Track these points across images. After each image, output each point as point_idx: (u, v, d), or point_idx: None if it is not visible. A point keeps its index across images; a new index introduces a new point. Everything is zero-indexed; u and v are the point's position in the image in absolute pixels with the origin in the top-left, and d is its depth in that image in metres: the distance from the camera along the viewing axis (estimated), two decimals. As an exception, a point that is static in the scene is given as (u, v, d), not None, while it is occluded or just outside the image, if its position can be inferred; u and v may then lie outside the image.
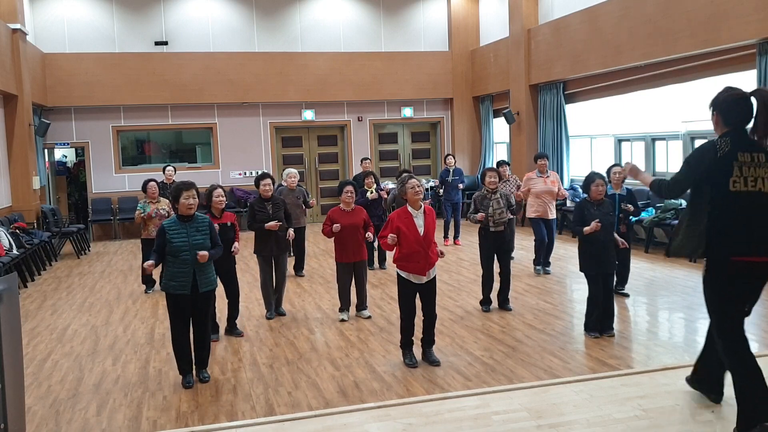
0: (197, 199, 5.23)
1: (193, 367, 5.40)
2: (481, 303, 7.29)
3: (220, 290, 6.14)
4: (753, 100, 3.61)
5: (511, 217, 7.26)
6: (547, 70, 13.26)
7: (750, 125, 3.64)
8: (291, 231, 7.28)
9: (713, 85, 9.99)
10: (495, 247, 7.13)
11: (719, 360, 3.89)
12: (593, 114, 12.95)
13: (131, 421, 4.70)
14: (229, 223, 6.53)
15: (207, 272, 5.28)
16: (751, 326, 6.51)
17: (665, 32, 10.05)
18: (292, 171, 9.42)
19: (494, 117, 16.03)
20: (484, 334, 6.38)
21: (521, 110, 14.03)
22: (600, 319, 6.12)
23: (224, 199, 6.51)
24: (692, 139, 10.26)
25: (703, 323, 6.56)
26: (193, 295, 5.24)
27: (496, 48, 15.19)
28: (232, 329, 6.72)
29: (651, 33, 10.34)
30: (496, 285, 7.26)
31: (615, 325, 6.22)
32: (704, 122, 10.05)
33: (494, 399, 4.42)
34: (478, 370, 5.40)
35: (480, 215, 6.97)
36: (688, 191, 3.82)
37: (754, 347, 5.82)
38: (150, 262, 5.17)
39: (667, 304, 7.14)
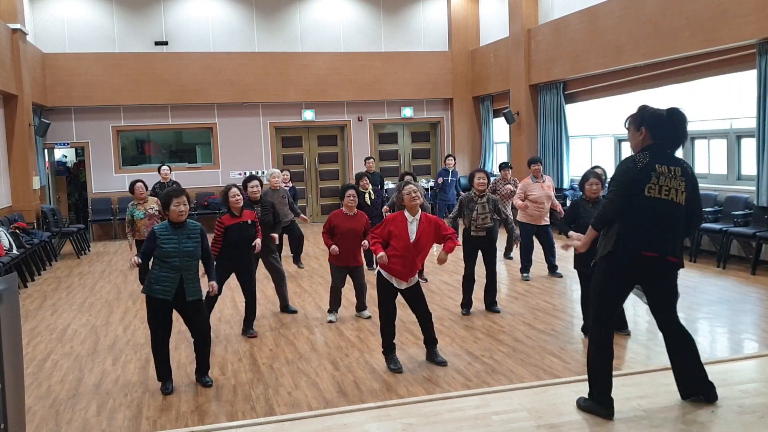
0: (188, 206, 5.19)
1: (170, 371, 5.34)
2: (462, 305, 7.20)
3: (235, 288, 6.12)
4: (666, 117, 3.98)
5: (497, 219, 7.17)
6: (547, 70, 13.26)
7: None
8: (258, 242, 6.73)
9: (713, 85, 10.01)
10: (477, 251, 7.07)
11: (691, 362, 4.08)
12: (593, 114, 12.95)
13: (131, 421, 4.70)
14: (249, 221, 6.48)
15: (194, 281, 5.19)
16: (750, 326, 6.52)
17: (665, 32, 10.05)
18: (275, 171, 9.56)
19: (494, 117, 16.03)
20: (484, 334, 6.38)
21: (521, 110, 14.04)
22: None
23: (240, 197, 6.47)
24: (692, 139, 10.26)
25: (703, 323, 6.57)
26: (178, 304, 5.16)
27: (496, 48, 15.19)
28: (247, 330, 6.68)
29: (651, 33, 10.33)
30: (481, 288, 7.24)
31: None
32: (704, 122, 10.06)
33: (494, 399, 4.42)
34: (478, 370, 5.40)
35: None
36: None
37: (754, 347, 5.82)
38: (137, 260, 5.06)
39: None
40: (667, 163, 3.92)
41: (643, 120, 4.00)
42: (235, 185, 6.59)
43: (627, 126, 4.10)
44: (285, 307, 7.52)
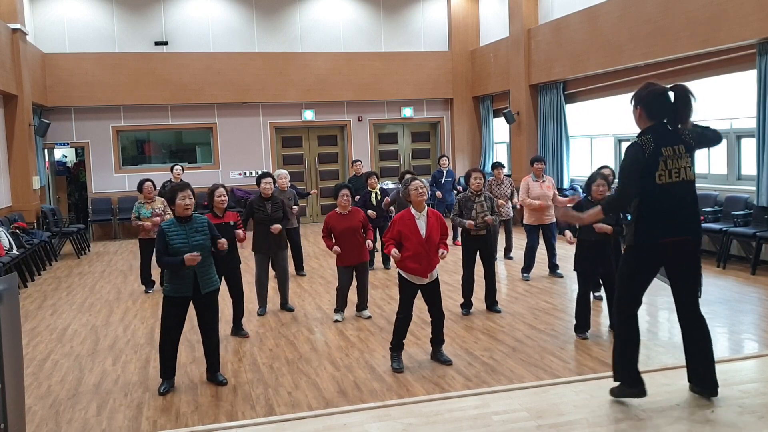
0: (193, 200, 5.19)
1: (173, 371, 5.32)
2: (462, 306, 7.20)
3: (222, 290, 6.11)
4: (671, 94, 3.93)
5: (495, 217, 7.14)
6: (547, 70, 13.26)
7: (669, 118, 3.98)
8: (277, 226, 7.15)
9: (713, 85, 10.01)
10: (476, 251, 7.06)
11: (704, 351, 4.09)
12: (593, 114, 12.95)
13: (131, 421, 4.70)
14: (231, 222, 6.47)
15: (208, 272, 5.21)
16: (750, 326, 6.52)
17: (665, 32, 10.05)
18: (283, 172, 9.41)
19: (494, 117, 16.03)
20: (484, 334, 6.38)
21: (521, 110, 14.03)
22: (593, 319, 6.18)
23: (226, 198, 6.48)
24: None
25: (703, 323, 6.55)
26: (196, 298, 5.20)
27: (496, 48, 15.19)
28: (238, 330, 6.68)
29: (651, 33, 10.33)
30: (481, 289, 7.24)
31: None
32: (703, 122, 10.04)
33: (494, 399, 4.42)
34: (478, 370, 5.41)
35: (469, 223, 6.87)
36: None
37: (754, 347, 5.82)
38: (194, 254, 4.94)
39: (667, 304, 7.13)
40: (671, 144, 3.88)
41: (639, 99, 3.99)
42: (222, 185, 6.56)
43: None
44: (283, 305, 7.57)
